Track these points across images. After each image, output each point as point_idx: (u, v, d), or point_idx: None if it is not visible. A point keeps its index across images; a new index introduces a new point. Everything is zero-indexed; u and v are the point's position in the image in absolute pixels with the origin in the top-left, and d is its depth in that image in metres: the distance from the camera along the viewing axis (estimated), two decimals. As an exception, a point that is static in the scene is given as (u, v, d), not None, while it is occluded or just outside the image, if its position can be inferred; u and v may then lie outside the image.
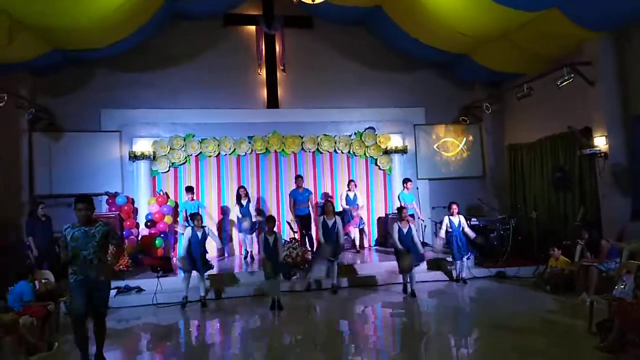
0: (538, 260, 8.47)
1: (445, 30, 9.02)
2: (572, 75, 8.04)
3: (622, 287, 5.25)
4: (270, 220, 7.43)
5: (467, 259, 8.40)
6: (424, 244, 10.07)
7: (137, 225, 9.75)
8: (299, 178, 9.86)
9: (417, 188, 10.78)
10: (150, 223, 9.56)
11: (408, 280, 7.59)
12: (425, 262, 8.49)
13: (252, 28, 10.96)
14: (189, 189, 9.37)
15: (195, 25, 10.53)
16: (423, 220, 10.31)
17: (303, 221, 9.59)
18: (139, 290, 7.71)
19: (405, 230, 7.56)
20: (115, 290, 7.56)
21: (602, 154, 8.05)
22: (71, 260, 4.51)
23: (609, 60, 8.04)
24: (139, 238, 9.60)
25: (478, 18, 8.21)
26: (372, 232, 11.04)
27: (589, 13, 7.31)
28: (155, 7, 8.92)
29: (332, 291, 7.84)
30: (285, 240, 8.89)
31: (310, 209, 9.85)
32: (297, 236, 9.43)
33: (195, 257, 7.30)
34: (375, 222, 11.13)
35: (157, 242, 9.48)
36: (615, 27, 7.75)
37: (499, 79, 10.93)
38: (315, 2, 6.17)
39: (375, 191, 11.20)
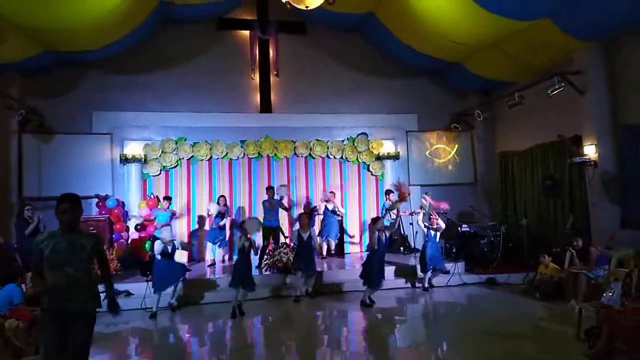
0: (528, 267, 8.51)
1: (438, 38, 9.09)
2: (563, 84, 8.13)
3: (610, 294, 5.29)
4: (244, 229, 7.26)
5: (432, 271, 8.23)
6: (415, 250, 10.10)
7: (127, 229, 9.68)
8: (269, 189, 9.55)
9: (409, 194, 10.78)
10: (141, 226, 9.49)
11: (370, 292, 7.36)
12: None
13: (246, 33, 10.98)
14: (167, 198, 9.40)
15: (189, 29, 10.53)
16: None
17: (272, 233, 9.19)
18: (128, 294, 7.63)
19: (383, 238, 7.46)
20: (104, 293, 7.46)
21: (592, 163, 8.13)
22: (46, 290, 3.37)
23: (599, 69, 8.14)
24: (129, 241, 9.52)
25: (471, 26, 8.28)
26: (364, 238, 11.03)
27: (579, 23, 7.40)
28: (148, 10, 8.91)
29: (310, 297, 7.74)
30: (280, 245, 8.86)
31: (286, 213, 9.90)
32: (288, 241, 9.38)
33: (167, 273, 7.15)
34: (367, 227, 11.12)
35: (147, 245, 9.41)
36: (605, 37, 7.85)
37: (490, 87, 11.03)
38: (308, 8, 6.17)
39: (367, 197, 11.21)
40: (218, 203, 9.46)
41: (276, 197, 9.53)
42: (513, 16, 7.64)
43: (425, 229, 8.30)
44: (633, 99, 7.75)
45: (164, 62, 10.43)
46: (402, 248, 10.36)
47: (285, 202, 9.72)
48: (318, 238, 9.52)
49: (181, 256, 9.39)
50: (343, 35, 11.19)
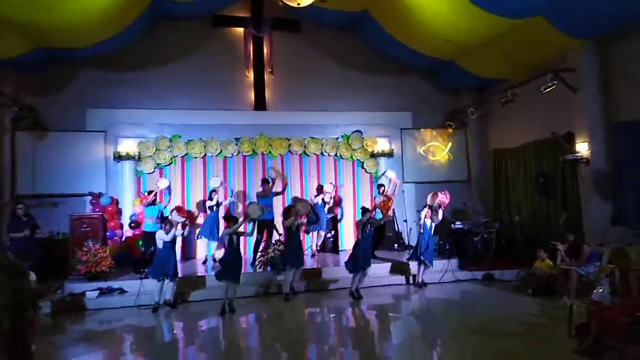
0: (520, 263, 8.56)
1: (432, 36, 9.11)
2: (556, 82, 8.17)
3: (601, 290, 5.32)
4: (232, 219, 7.31)
5: (424, 265, 8.28)
6: (409, 246, 10.14)
7: (121, 226, 9.66)
8: (265, 182, 9.46)
9: (403, 191, 10.84)
10: (134, 224, 9.48)
11: (358, 281, 7.57)
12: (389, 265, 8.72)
13: (241, 30, 10.96)
14: (150, 192, 9.20)
15: (183, 26, 10.50)
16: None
17: (266, 226, 9.11)
18: (122, 291, 7.63)
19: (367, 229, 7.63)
20: (98, 291, 7.49)
21: (584, 160, 8.18)
22: None
23: (592, 67, 8.18)
24: (123, 239, 9.51)
25: (464, 25, 8.31)
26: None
27: (572, 21, 7.44)
28: (142, 7, 8.88)
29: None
30: (274, 242, 8.86)
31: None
32: (282, 238, 9.36)
33: (165, 263, 7.11)
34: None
35: (140, 242, 9.39)
36: (598, 35, 7.89)
37: (484, 84, 11.07)
38: (300, 5, 6.18)
39: (361, 194, 11.24)
40: (210, 197, 9.27)
41: (269, 178, 9.46)
42: (506, 14, 7.67)
43: (423, 220, 8.29)
44: (625, 97, 7.80)
45: (158, 59, 10.40)
46: (396, 245, 10.39)
47: (279, 186, 9.63)
48: (314, 234, 9.75)
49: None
50: (337, 33, 11.19)
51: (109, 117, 10.07)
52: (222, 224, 9.31)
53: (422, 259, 8.19)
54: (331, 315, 6.91)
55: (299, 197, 9.98)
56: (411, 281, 8.53)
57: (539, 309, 6.77)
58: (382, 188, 9.87)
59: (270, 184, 9.40)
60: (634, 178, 7.58)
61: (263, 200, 9.12)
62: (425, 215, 8.25)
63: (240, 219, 7.35)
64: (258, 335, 6.27)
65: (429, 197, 8.66)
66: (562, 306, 6.51)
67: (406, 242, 10.46)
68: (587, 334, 4.72)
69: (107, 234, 9.21)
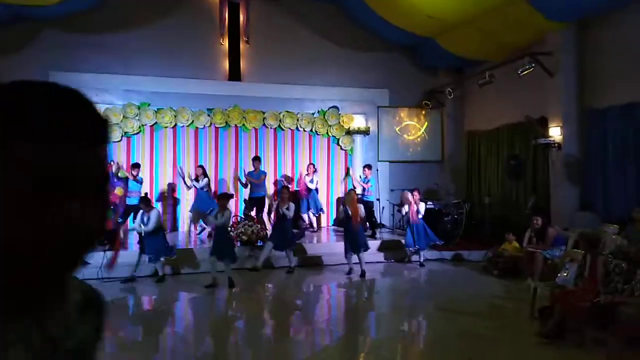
0: (488, 244, 8.67)
1: (414, 10, 8.90)
2: (533, 65, 8.14)
3: (565, 274, 5.41)
4: (223, 197, 7.23)
5: (421, 250, 8.39)
6: (381, 225, 10.19)
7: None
8: (256, 160, 9.58)
9: (377, 170, 10.79)
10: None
11: (354, 261, 7.59)
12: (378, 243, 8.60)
13: (216, -5, 10.51)
14: (136, 166, 9.04)
15: (155, -12, 9.99)
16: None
17: (257, 203, 9.43)
18: (85, 263, 7.39)
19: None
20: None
21: (556, 145, 8.24)
22: None
23: (570, 51, 8.18)
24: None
25: (447, 0, 8.14)
26: (331, 212, 11.01)
27: (554, 4, 7.36)
28: (110, -36, 8.37)
29: (289, 271, 7.72)
30: (241, 217, 8.79)
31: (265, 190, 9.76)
32: (252, 214, 9.26)
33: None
34: (335, 202, 11.10)
35: (108, 213, 9.10)
36: (578, 19, 7.85)
37: (462, 65, 10.97)
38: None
39: (335, 171, 11.15)
40: (197, 173, 9.27)
41: (262, 169, 9.56)
42: (488, -8, 7.54)
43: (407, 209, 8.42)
44: (601, 83, 7.84)
45: (127, 23, 9.88)
46: (367, 223, 10.35)
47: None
48: (310, 212, 9.95)
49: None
50: (317, 4, 10.85)
51: (74, 81, 9.51)
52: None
53: (423, 248, 8.33)
54: (307, 290, 6.88)
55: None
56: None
57: (503, 290, 6.88)
58: (367, 170, 9.92)
59: (264, 173, 9.60)
60: (604, 165, 7.70)
61: (256, 176, 9.30)
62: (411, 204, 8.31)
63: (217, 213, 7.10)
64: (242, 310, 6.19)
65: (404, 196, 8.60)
66: (526, 288, 6.62)
67: (378, 220, 10.44)
68: (550, 317, 4.79)
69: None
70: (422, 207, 8.48)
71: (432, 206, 9.63)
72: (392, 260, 8.69)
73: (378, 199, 10.44)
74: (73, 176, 0.55)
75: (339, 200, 11.06)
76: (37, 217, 0.53)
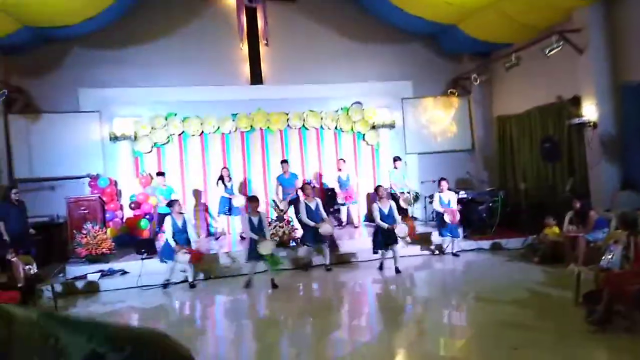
0: (526, 231, 8.42)
1: (432, -1, 8.75)
2: (561, 43, 7.86)
3: (610, 257, 5.18)
4: (254, 200, 7.28)
5: (454, 238, 8.27)
6: (414, 218, 10.05)
7: (122, 207, 9.57)
8: (284, 163, 9.58)
9: (406, 163, 10.65)
10: (135, 205, 9.38)
11: (388, 256, 7.50)
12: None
13: (232, 1, 10.57)
14: (161, 174, 9.19)
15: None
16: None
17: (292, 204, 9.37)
18: (123, 272, 7.58)
19: (386, 209, 7.47)
20: (100, 273, 7.44)
21: (591, 124, 7.93)
22: None
23: (599, 27, 7.85)
24: (124, 220, 9.43)
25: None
26: (362, 208, 10.92)
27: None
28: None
29: (327, 269, 7.72)
30: (272, 219, 8.80)
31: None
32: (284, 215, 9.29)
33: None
34: (365, 198, 11.01)
35: (142, 224, 9.31)
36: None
37: (487, 49, 10.68)
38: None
39: (363, 167, 11.06)
40: (222, 175, 9.37)
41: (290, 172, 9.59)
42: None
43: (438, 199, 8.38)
44: (633, 57, 7.49)
45: (148, 35, 10.06)
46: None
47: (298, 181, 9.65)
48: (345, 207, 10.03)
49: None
50: (333, 2, 10.79)
51: (102, 96, 9.83)
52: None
53: (457, 236, 8.25)
54: (344, 287, 6.85)
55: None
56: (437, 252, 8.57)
57: (545, 277, 6.67)
58: (398, 162, 9.97)
59: (295, 178, 9.58)
60: (643, 140, 7.36)
61: (286, 180, 9.38)
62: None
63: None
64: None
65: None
66: (569, 274, 6.39)
67: (412, 214, 10.28)
68: (595, 302, 4.60)
69: (107, 215, 9.12)
70: (452, 197, 8.32)
71: (465, 196, 9.44)
72: (428, 252, 8.55)
73: (409, 192, 10.28)
74: None
75: (368, 196, 10.98)
76: None
